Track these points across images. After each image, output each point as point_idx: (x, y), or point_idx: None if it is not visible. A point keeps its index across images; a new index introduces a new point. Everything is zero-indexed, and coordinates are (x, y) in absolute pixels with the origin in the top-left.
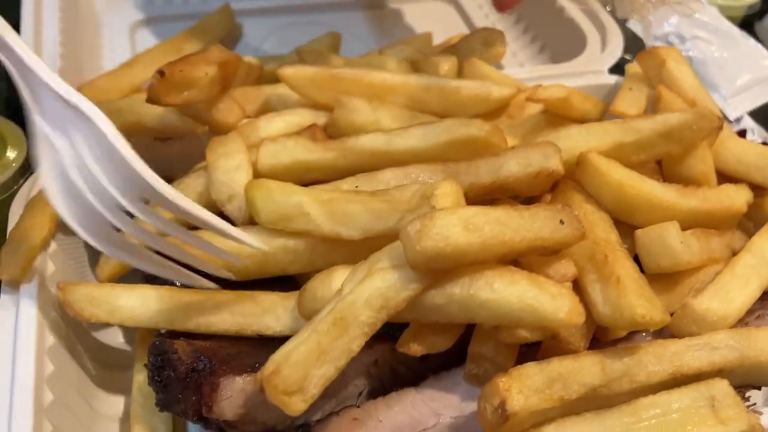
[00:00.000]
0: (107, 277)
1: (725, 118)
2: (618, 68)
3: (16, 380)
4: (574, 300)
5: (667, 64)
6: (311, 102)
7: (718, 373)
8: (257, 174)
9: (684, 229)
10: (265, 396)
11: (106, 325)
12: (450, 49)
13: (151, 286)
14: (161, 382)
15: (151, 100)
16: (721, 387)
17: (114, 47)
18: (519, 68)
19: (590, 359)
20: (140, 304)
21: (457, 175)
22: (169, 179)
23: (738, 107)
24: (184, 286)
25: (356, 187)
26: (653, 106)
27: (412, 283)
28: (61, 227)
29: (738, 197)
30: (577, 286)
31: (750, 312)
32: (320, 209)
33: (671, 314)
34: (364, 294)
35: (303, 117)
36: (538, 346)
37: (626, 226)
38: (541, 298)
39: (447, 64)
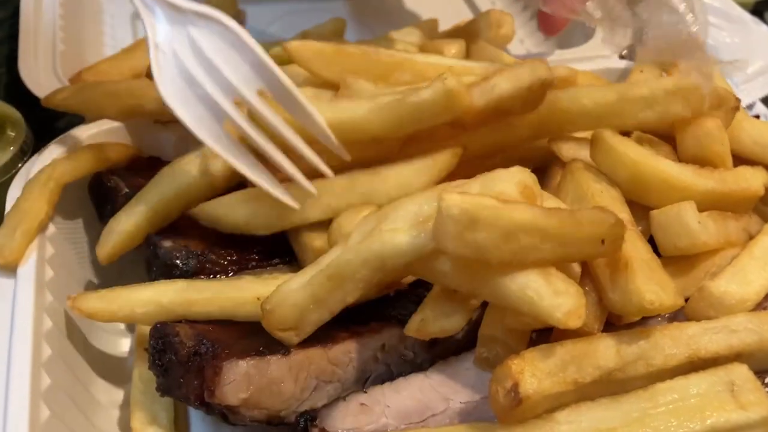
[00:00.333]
0: (107, 256)
1: None
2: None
3: (13, 364)
4: (577, 300)
5: None
6: (317, 78)
7: (737, 357)
8: None
9: (700, 211)
10: (269, 380)
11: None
12: (457, 32)
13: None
14: (162, 366)
15: (149, 76)
16: (741, 371)
17: (116, 34)
18: (527, 54)
19: (605, 342)
20: (156, 293)
21: None
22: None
23: (750, 93)
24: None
25: None
26: None
27: (412, 250)
28: (60, 210)
29: (755, 179)
30: (589, 270)
31: None
32: None
33: (687, 299)
34: (362, 254)
35: (306, 95)
36: (551, 329)
37: (640, 208)
38: (542, 292)
39: (454, 47)
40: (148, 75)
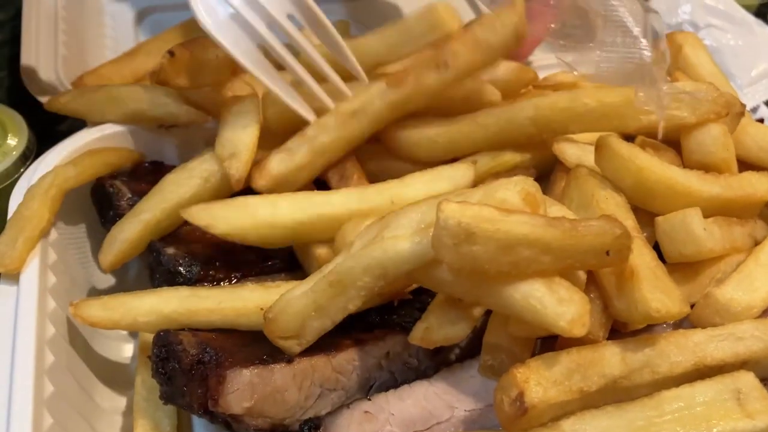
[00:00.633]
0: (109, 264)
1: None
2: None
3: (16, 371)
4: (581, 308)
5: (684, 49)
6: None
7: (743, 364)
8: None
9: (705, 217)
10: (273, 389)
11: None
12: None
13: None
14: (165, 374)
15: (160, 82)
16: (747, 379)
17: (117, 37)
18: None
19: (610, 350)
20: (159, 301)
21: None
22: (172, 167)
23: (754, 96)
24: None
25: None
26: None
27: (414, 257)
28: (62, 216)
29: (761, 185)
30: (594, 278)
31: None
32: None
33: (692, 305)
34: (363, 261)
35: None
36: (556, 336)
37: (645, 214)
38: (546, 301)
39: None
40: (151, 78)
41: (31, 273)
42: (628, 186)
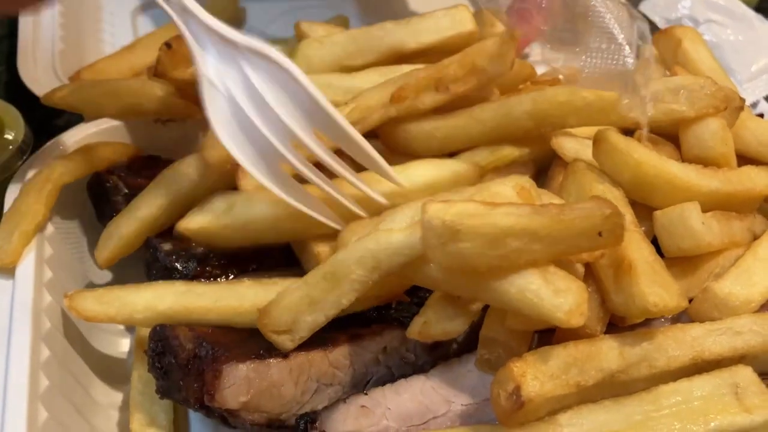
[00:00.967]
0: (105, 261)
1: None
2: None
3: (11, 365)
4: (579, 297)
5: (684, 44)
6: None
7: (741, 359)
8: None
9: (704, 211)
10: (269, 383)
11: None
12: None
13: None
14: (162, 369)
15: (158, 74)
16: (745, 374)
17: (115, 31)
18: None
19: (607, 344)
20: (154, 297)
21: None
22: (169, 161)
23: (754, 92)
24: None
25: None
26: None
27: (406, 249)
28: (59, 210)
29: (760, 179)
30: (592, 272)
31: None
32: None
33: (690, 300)
34: (356, 253)
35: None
36: (553, 329)
37: (644, 208)
38: (542, 293)
39: None
40: (149, 73)
41: (26, 267)
42: (627, 180)
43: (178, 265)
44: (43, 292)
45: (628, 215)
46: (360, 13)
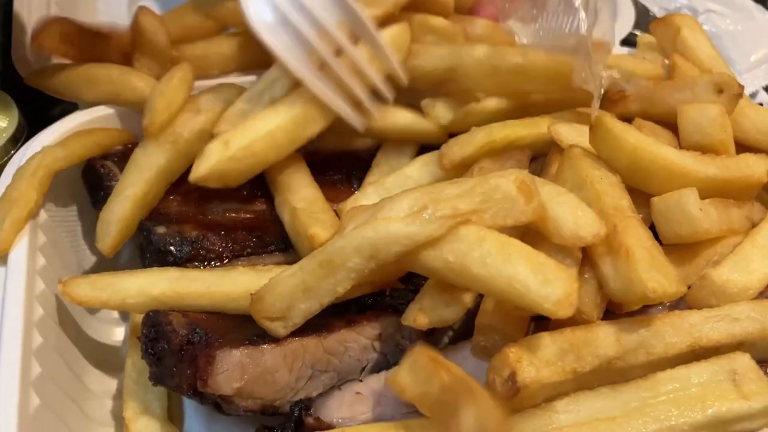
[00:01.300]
0: (111, 248)
1: None
2: (629, 43)
3: (3, 352)
4: (569, 287)
5: (682, 32)
6: None
7: (738, 346)
8: None
9: (701, 198)
10: (263, 369)
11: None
12: None
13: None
14: (155, 355)
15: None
16: (743, 361)
17: (111, 19)
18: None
19: (604, 330)
20: (147, 283)
21: None
22: None
23: (753, 82)
24: None
25: None
26: (668, 76)
27: (405, 239)
28: (53, 197)
29: (758, 166)
30: (589, 257)
31: None
32: None
33: (688, 287)
34: (354, 242)
35: None
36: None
37: (641, 195)
38: (530, 283)
39: None
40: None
41: (19, 254)
42: (623, 166)
43: (173, 249)
44: (36, 279)
45: (625, 201)
46: None
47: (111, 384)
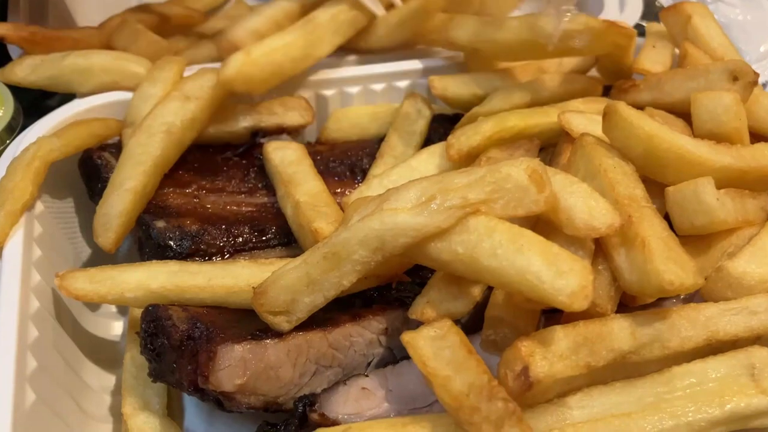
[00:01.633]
0: (112, 243)
1: None
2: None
3: None
4: (583, 279)
5: (693, 19)
6: None
7: (756, 339)
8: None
9: (717, 188)
10: (266, 365)
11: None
12: None
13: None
14: (154, 350)
15: None
16: (762, 355)
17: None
18: None
19: (619, 323)
20: (147, 276)
21: None
22: None
23: (764, 72)
24: None
25: None
26: (679, 64)
27: (412, 230)
28: (49, 189)
29: None
30: (602, 249)
31: None
32: None
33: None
34: (360, 233)
35: None
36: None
37: (655, 185)
38: (543, 275)
39: None
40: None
41: (14, 246)
42: (638, 155)
43: (172, 243)
44: (32, 272)
45: (640, 190)
46: None
47: (109, 379)
